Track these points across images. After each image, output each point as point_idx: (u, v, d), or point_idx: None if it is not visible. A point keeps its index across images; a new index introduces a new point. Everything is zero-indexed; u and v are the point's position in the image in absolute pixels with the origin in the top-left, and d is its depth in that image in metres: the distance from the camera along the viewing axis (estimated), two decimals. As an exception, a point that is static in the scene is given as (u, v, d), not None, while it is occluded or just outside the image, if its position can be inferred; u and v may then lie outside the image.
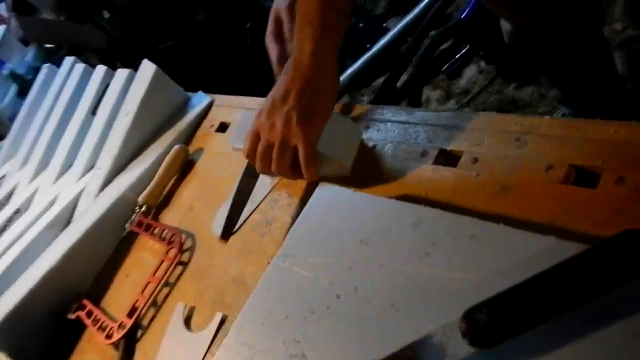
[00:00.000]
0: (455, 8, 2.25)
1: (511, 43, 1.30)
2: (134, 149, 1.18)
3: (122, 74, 1.31)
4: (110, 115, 1.25)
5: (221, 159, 1.07)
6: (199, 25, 2.28)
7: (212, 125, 1.16)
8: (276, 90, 0.79)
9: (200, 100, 1.22)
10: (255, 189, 0.92)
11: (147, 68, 1.21)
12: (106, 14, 2.13)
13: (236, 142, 0.89)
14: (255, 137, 0.81)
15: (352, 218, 0.70)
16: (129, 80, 1.27)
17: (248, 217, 0.90)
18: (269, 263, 0.80)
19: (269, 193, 0.91)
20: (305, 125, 0.77)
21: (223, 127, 1.14)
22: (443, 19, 2.18)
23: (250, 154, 0.82)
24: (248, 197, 0.90)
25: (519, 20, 1.25)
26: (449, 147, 0.74)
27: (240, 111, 1.13)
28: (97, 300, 1.02)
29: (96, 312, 0.98)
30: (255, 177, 0.90)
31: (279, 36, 0.91)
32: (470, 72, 2.22)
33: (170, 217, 1.06)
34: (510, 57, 1.83)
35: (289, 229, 0.77)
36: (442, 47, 2.20)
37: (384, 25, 2.87)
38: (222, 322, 0.81)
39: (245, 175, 0.91)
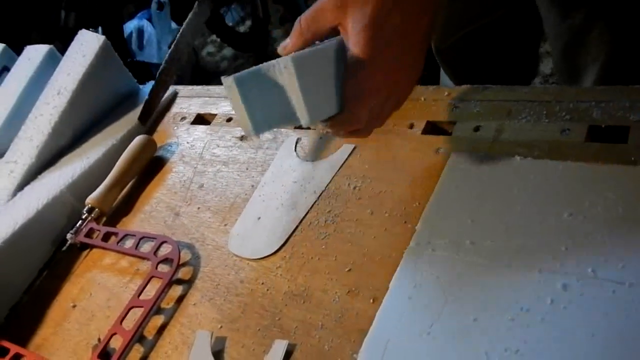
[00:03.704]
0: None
1: None
2: (67, 138, 0.86)
3: (37, 50, 0.98)
4: (21, 97, 0.91)
5: (211, 157, 0.80)
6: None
7: (183, 119, 0.89)
8: None
9: (156, 90, 0.95)
10: (299, 185, 0.69)
11: (90, 38, 0.91)
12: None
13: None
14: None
15: (536, 189, 0.51)
16: (51, 58, 0.95)
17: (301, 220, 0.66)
18: (349, 270, 0.58)
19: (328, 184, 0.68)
20: None
21: (201, 120, 0.88)
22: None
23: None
24: None
25: None
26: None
27: (218, 100, 0.89)
28: (19, 342, 0.67)
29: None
30: None
31: None
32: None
33: (139, 226, 0.76)
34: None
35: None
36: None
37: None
38: (289, 354, 0.54)
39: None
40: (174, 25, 2.85)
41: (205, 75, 3.04)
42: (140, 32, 2.78)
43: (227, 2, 3.06)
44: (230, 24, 3.03)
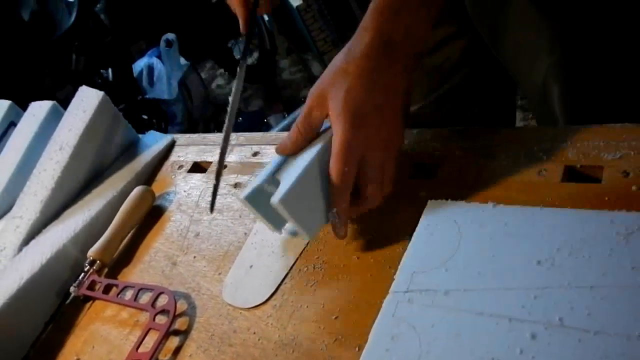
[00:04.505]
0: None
1: None
2: (70, 192, 0.89)
3: (40, 106, 1.02)
4: (26, 152, 0.95)
5: (207, 205, 0.82)
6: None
7: (180, 167, 0.92)
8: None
9: (155, 139, 0.98)
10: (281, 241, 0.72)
11: (90, 94, 0.94)
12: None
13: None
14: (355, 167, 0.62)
15: (508, 237, 0.52)
16: (54, 113, 0.99)
17: (291, 267, 0.68)
18: (336, 318, 0.60)
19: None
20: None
21: (198, 168, 0.91)
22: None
23: (348, 186, 0.62)
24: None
25: None
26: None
27: (213, 148, 0.92)
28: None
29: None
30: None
31: None
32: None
33: (138, 276, 0.78)
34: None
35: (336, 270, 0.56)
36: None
37: (265, 120, 2.84)
38: (281, 404, 0.56)
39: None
40: (183, 61, 2.91)
41: (215, 107, 3.09)
42: (151, 69, 2.85)
43: (235, 36, 3.13)
44: (238, 57, 3.08)
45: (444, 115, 0.78)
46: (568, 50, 0.75)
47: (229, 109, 0.72)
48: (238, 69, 0.73)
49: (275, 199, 0.59)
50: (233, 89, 0.72)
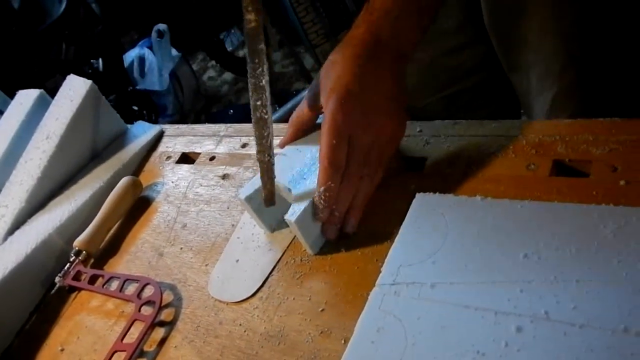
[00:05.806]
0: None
1: None
2: (56, 181, 0.88)
3: (27, 94, 1.01)
4: (13, 141, 0.94)
5: (194, 196, 0.82)
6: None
7: (168, 158, 0.91)
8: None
9: (143, 129, 0.97)
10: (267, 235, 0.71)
11: (77, 83, 0.93)
12: None
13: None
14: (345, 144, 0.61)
15: (495, 230, 0.52)
16: (42, 102, 0.98)
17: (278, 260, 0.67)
18: (322, 310, 0.59)
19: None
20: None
21: (186, 159, 0.90)
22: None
23: (338, 165, 0.61)
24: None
25: None
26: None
27: (202, 139, 0.91)
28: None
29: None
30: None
31: None
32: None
33: (125, 267, 0.78)
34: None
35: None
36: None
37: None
38: (265, 396, 0.56)
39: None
40: (174, 52, 2.89)
41: (206, 99, 3.07)
42: (142, 60, 2.82)
43: (226, 27, 3.11)
44: (230, 49, 3.07)
45: (451, 115, 0.80)
46: (581, 74, 0.76)
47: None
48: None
49: (292, 217, 0.61)
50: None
